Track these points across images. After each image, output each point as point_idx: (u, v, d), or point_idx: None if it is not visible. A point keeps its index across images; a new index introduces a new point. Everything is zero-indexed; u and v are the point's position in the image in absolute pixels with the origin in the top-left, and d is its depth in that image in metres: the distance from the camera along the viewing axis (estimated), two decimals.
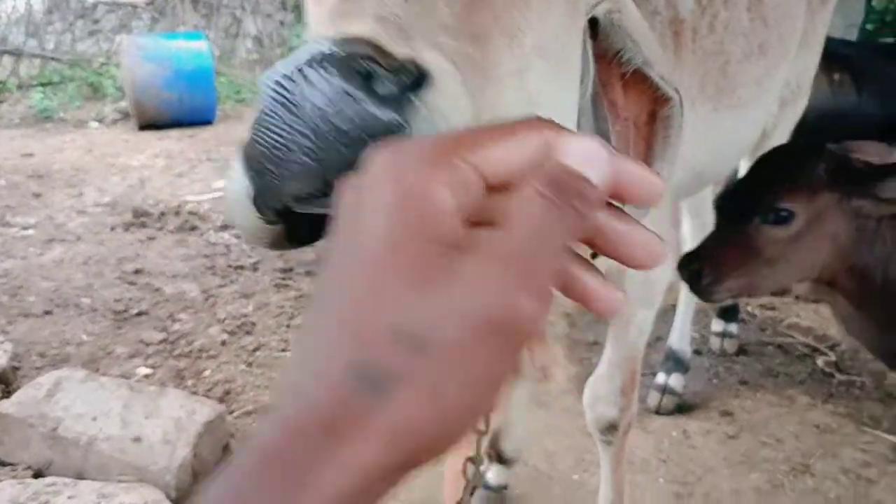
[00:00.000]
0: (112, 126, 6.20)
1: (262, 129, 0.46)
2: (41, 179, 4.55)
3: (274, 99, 0.46)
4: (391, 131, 0.46)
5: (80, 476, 1.83)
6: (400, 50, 0.49)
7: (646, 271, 1.39)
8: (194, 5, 8.07)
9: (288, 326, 2.79)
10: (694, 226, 2.40)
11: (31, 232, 3.66)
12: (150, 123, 5.82)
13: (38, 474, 1.87)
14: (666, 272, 1.46)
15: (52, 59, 7.60)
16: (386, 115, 0.46)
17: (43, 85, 7.11)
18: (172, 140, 5.60)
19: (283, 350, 2.64)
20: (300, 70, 0.46)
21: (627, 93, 0.76)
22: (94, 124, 6.25)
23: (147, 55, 5.80)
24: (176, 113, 5.85)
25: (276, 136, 0.46)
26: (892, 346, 1.39)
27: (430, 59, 0.50)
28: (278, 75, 0.46)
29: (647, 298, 1.43)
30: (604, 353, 1.53)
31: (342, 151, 0.45)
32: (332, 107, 0.45)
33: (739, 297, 1.64)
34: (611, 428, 1.58)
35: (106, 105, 6.67)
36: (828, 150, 1.32)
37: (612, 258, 0.40)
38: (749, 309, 2.86)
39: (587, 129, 0.79)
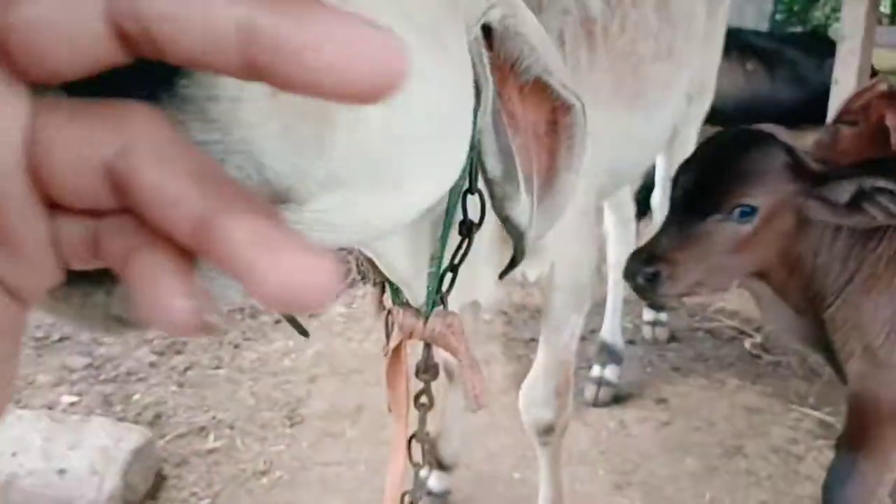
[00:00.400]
0: None
1: None
2: None
3: None
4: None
5: None
6: None
7: (577, 277, 1.41)
8: None
9: (220, 343, 2.72)
10: (616, 221, 2.45)
11: None
12: None
13: None
14: (594, 275, 1.48)
15: None
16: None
17: None
18: None
19: (217, 368, 2.57)
20: None
21: (525, 103, 0.74)
22: None
23: None
24: None
25: None
26: (809, 331, 1.44)
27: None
28: None
29: (577, 302, 1.44)
30: (537, 358, 1.54)
31: None
32: None
33: (683, 296, 1.62)
34: (547, 430, 1.59)
35: None
36: (784, 145, 1.27)
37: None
38: None
39: (490, 149, 0.74)
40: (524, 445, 2.10)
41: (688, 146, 2.03)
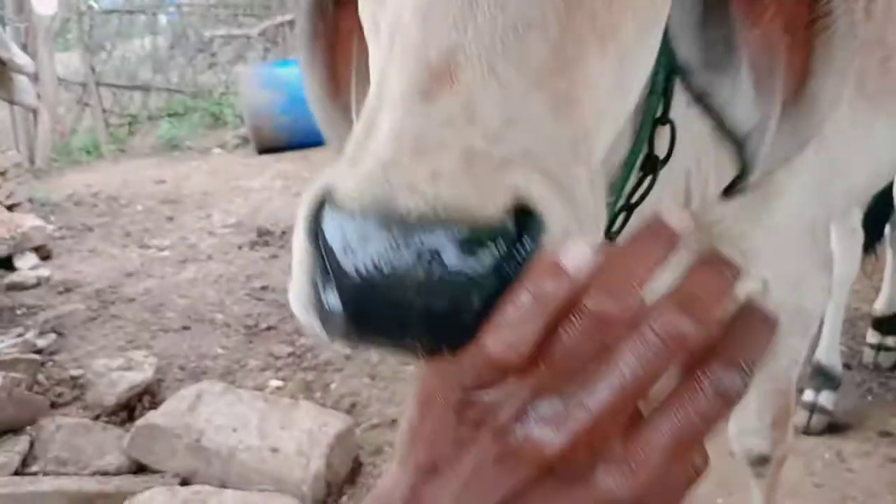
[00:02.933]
0: (233, 151, 6.55)
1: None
2: (173, 204, 4.85)
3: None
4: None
5: (222, 484, 1.90)
6: (494, 203, 0.37)
7: (797, 300, 1.26)
8: None
9: None
10: (840, 230, 2.22)
11: (166, 253, 3.90)
12: (268, 147, 6.10)
13: (184, 482, 1.96)
14: (821, 298, 1.28)
15: (177, 91, 8.14)
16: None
17: (170, 116, 7.62)
18: (288, 162, 5.84)
19: (404, 363, 2.66)
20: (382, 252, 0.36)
21: None
22: (217, 150, 6.62)
23: (262, 83, 6.09)
24: (291, 136, 6.10)
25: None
26: None
27: (538, 194, 0.38)
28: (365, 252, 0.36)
29: (800, 327, 1.28)
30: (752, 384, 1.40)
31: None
32: (438, 307, 0.36)
33: None
34: (762, 461, 1.44)
35: (227, 132, 7.06)
36: None
37: None
38: None
39: (685, 32, 0.65)
40: (725, 470, 1.95)
41: None
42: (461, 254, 0.36)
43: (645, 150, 0.76)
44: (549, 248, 0.38)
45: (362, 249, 0.36)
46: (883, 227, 2.24)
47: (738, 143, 0.72)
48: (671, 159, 0.77)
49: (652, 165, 0.77)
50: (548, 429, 0.36)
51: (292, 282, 0.41)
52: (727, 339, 0.38)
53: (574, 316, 0.36)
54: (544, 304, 0.36)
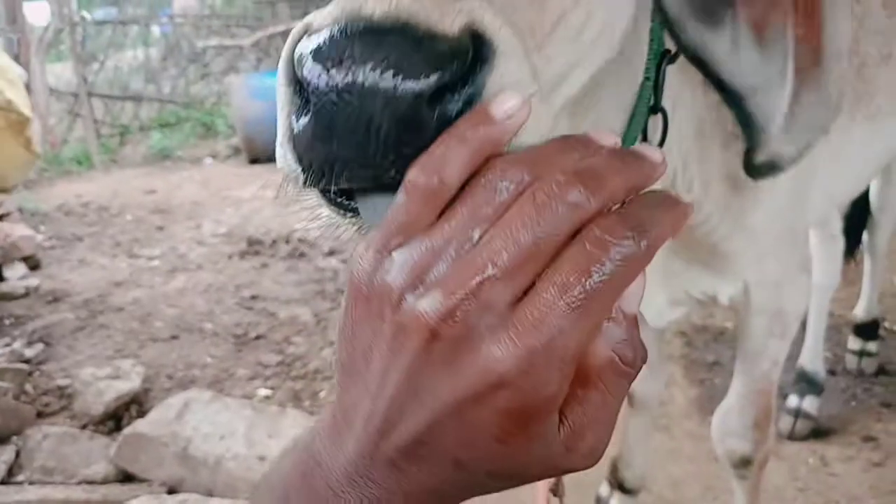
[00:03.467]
0: (225, 161, 6.56)
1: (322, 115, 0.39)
2: (163, 214, 4.85)
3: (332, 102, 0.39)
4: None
5: (209, 493, 1.90)
6: (451, 20, 0.40)
7: (778, 302, 1.28)
8: None
9: None
10: (821, 237, 2.25)
11: (156, 262, 3.90)
12: (259, 157, 6.11)
13: (171, 490, 1.96)
14: (801, 300, 1.31)
15: (169, 102, 8.15)
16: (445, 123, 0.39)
17: (161, 126, 7.63)
18: (279, 172, 5.84)
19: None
20: (354, 65, 0.38)
21: None
22: (209, 161, 6.62)
23: (254, 93, 6.11)
24: None
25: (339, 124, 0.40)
26: None
27: (489, 22, 0.41)
28: (331, 74, 0.38)
29: (779, 329, 1.30)
30: (732, 385, 1.42)
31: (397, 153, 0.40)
32: (398, 123, 0.39)
33: None
34: (744, 462, 1.45)
35: (218, 142, 7.08)
36: None
37: None
38: (887, 325, 2.65)
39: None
40: (710, 474, 1.97)
41: None
42: (419, 62, 0.38)
43: (639, 137, 0.77)
44: (495, 82, 0.40)
45: (332, 52, 0.38)
46: (861, 232, 2.27)
47: (737, 106, 0.72)
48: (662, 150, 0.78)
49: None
50: (434, 293, 0.35)
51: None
52: (630, 207, 0.38)
53: (484, 171, 0.38)
54: (465, 146, 0.37)
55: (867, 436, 2.14)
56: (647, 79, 0.77)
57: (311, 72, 0.39)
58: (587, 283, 0.35)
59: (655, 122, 0.80)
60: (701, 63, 0.72)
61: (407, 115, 0.38)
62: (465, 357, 0.35)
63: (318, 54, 0.39)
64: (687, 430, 2.18)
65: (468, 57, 0.40)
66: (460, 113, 0.39)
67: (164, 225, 4.58)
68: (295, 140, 0.41)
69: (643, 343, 0.40)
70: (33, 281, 3.51)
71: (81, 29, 7.60)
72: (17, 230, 3.78)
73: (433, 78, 0.38)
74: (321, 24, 0.40)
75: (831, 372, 2.39)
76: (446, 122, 0.39)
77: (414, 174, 0.38)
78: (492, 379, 0.35)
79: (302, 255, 3.87)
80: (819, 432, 2.14)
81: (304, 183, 0.43)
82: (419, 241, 0.37)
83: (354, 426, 0.39)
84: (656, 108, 0.79)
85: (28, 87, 5.71)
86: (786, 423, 2.14)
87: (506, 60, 0.41)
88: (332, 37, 0.39)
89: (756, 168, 0.81)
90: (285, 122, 0.42)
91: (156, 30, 9.19)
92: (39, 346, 2.83)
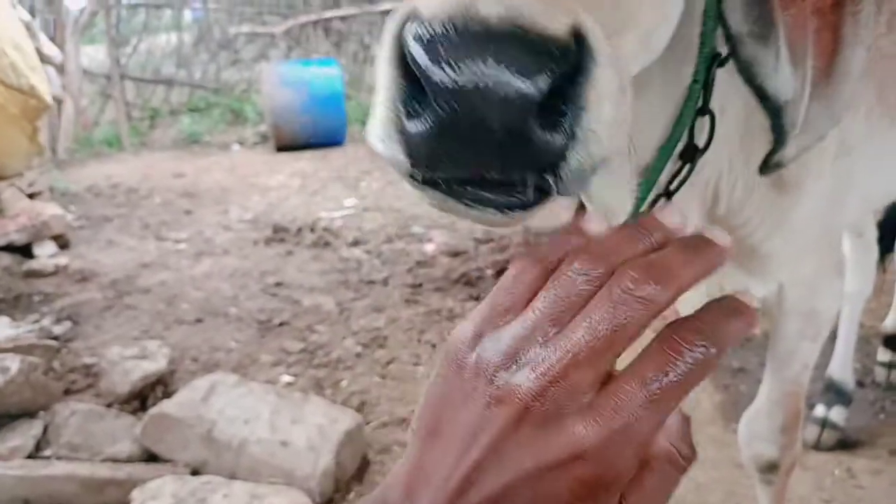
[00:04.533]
0: (252, 148, 6.60)
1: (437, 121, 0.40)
2: (191, 198, 4.90)
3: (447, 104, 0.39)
4: (554, 160, 0.42)
5: (232, 476, 1.92)
6: (560, 21, 0.40)
7: (811, 303, 1.28)
8: (326, 33, 8.48)
9: (419, 341, 2.82)
10: (856, 247, 2.21)
11: (183, 246, 3.94)
12: (287, 145, 6.14)
13: (194, 472, 1.98)
14: (833, 302, 1.31)
15: (199, 87, 8.22)
16: (551, 142, 0.41)
17: (191, 111, 7.70)
18: (306, 161, 5.88)
19: (416, 364, 2.67)
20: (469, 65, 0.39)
21: None
22: (237, 147, 6.67)
23: (284, 81, 6.14)
24: (310, 135, 6.14)
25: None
26: None
27: (589, 24, 0.42)
28: (450, 71, 0.39)
29: (812, 331, 1.30)
30: (762, 388, 1.41)
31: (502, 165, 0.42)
32: (509, 127, 0.40)
33: None
34: (770, 467, 1.44)
35: (247, 129, 7.12)
36: None
37: None
38: None
39: (738, 1, 0.71)
40: (733, 480, 1.95)
41: None
42: (532, 64, 0.39)
43: (685, 138, 0.79)
44: (596, 94, 0.41)
45: (450, 51, 0.39)
46: (893, 241, 2.23)
47: (774, 115, 0.77)
48: (706, 157, 0.81)
49: (691, 154, 0.81)
50: (526, 371, 0.41)
51: (372, 117, 0.44)
52: (703, 315, 0.44)
53: (567, 263, 0.44)
54: (561, 248, 0.46)
55: (894, 449, 2.10)
56: (695, 81, 0.79)
57: (429, 68, 0.39)
58: (664, 380, 0.41)
59: (702, 124, 0.82)
60: (749, 74, 0.75)
61: (518, 120, 0.39)
62: (551, 430, 0.41)
63: (432, 49, 0.39)
64: (711, 435, 2.16)
65: (575, 59, 0.41)
66: (566, 128, 0.41)
67: (192, 209, 4.63)
68: (405, 131, 0.42)
69: (693, 444, 0.46)
70: (62, 260, 3.57)
71: (116, 12, 7.69)
72: (48, 209, 3.84)
73: (543, 81, 0.39)
74: (433, 14, 0.40)
75: (860, 383, 2.35)
76: (552, 133, 0.41)
77: (522, 265, 0.45)
78: (575, 451, 0.40)
79: (327, 244, 3.88)
80: (846, 444, 2.11)
81: (409, 169, 0.44)
82: (514, 324, 0.43)
83: (432, 483, 0.43)
84: (704, 110, 0.80)
85: (62, 69, 5.80)
86: (812, 432, 2.11)
87: (603, 70, 0.42)
88: (448, 33, 0.39)
89: (768, 166, 0.87)
90: (391, 109, 0.43)
91: (188, 15, 9.27)
92: (67, 324, 2.87)
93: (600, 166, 0.43)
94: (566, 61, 0.40)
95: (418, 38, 0.40)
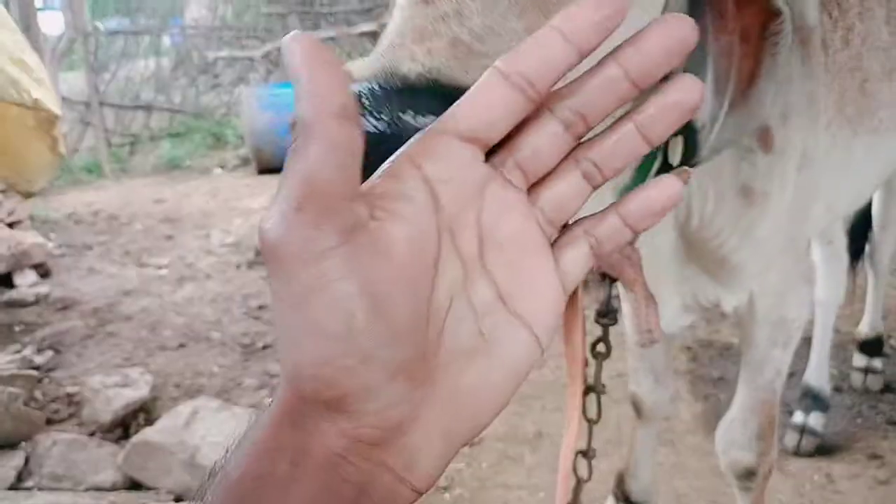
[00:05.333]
0: (234, 172, 6.60)
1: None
2: (172, 223, 4.89)
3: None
4: None
5: None
6: (473, 79, 0.42)
7: (781, 311, 1.32)
8: None
9: None
10: (825, 254, 2.26)
11: (164, 272, 3.93)
12: (268, 168, 6.15)
13: (178, 498, 1.97)
14: (802, 309, 1.35)
15: (179, 112, 8.22)
16: None
17: (171, 136, 7.69)
18: None
19: None
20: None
21: (739, 4, 0.74)
22: (218, 171, 6.67)
23: (264, 105, 6.16)
24: None
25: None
26: None
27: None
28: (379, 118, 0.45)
29: (782, 338, 1.34)
30: (736, 396, 1.44)
31: None
32: None
33: None
34: (748, 474, 1.47)
35: (228, 152, 7.13)
36: None
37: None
38: (893, 342, 2.65)
39: None
40: (715, 490, 1.97)
41: None
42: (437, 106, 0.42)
43: (660, 157, 0.84)
44: None
45: (374, 105, 0.45)
46: (863, 245, 2.28)
47: (691, 132, 0.83)
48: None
49: (666, 172, 0.85)
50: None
51: None
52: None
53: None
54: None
55: (873, 453, 2.14)
56: None
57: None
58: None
59: (675, 143, 0.86)
60: None
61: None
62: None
63: (361, 104, 0.45)
64: (692, 445, 2.18)
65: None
66: None
67: (173, 234, 4.62)
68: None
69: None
70: (43, 288, 3.55)
71: (94, 39, 7.69)
72: (29, 238, 3.82)
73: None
74: (360, 73, 0.47)
75: (837, 389, 2.39)
76: None
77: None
78: None
79: None
80: (825, 449, 2.14)
81: None
82: None
83: None
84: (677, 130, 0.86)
85: None
86: (791, 439, 2.14)
87: None
88: (373, 91, 0.45)
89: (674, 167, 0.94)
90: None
91: (167, 40, 9.29)
92: (49, 354, 2.85)
93: None
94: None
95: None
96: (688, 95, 0.38)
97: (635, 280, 0.88)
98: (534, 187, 0.39)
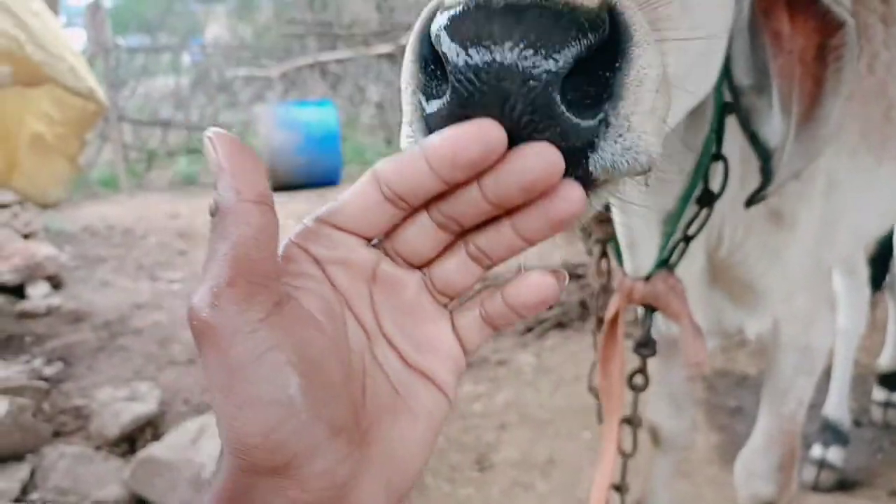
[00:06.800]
0: None
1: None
2: (186, 238, 4.90)
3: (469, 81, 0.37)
4: (582, 147, 0.39)
5: None
6: None
7: (806, 337, 1.29)
8: (322, 76, 8.61)
9: None
10: (848, 285, 2.22)
11: (177, 286, 3.93)
12: (283, 185, 6.18)
13: None
14: (827, 337, 1.32)
15: (197, 128, 8.29)
16: (579, 126, 0.38)
17: (188, 152, 7.76)
18: (302, 201, 5.90)
19: None
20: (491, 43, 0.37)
21: (795, 24, 0.72)
22: None
23: (281, 123, 6.21)
24: (305, 175, 6.19)
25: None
26: None
27: (627, 3, 0.40)
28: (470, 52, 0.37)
29: (808, 366, 1.31)
30: (757, 426, 1.40)
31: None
32: (532, 104, 0.37)
33: None
34: None
35: None
36: None
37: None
38: None
39: (741, 57, 0.76)
40: None
41: None
42: (557, 35, 0.36)
43: (701, 184, 0.85)
44: (634, 60, 0.38)
45: (470, 30, 0.37)
46: (884, 275, 2.24)
47: (765, 158, 0.82)
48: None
49: (708, 199, 0.87)
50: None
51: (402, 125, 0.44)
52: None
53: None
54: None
55: (893, 490, 2.07)
56: (712, 129, 0.87)
57: (450, 50, 0.37)
58: None
59: (715, 169, 0.86)
60: (745, 121, 0.82)
61: (540, 96, 0.37)
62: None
63: (455, 32, 0.37)
64: (708, 475, 2.13)
65: (605, 30, 0.38)
66: (599, 113, 0.38)
67: (187, 249, 4.63)
68: (427, 119, 0.41)
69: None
70: (55, 300, 3.55)
71: (115, 55, 7.80)
72: (42, 249, 3.84)
73: (570, 52, 0.36)
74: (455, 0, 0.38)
75: (857, 423, 2.34)
76: (581, 116, 0.38)
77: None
78: None
79: None
80: (844, 484, 2.09)
81: None
82: None
83: None
84: (718, 156, 0.86)
85: None
86: (810, 473, 2.09)
87: (642, 51, 0.39)
88: (468, 13, 0.37)
89: (753, 201, 0.93)
90: (411, 99, 0.42)
91: (187, 58, 9.41)
92: (59, 366, 2.84)
93: (636, 167, 0.39)
94: (595, 34, 0.37)
95: (443, 27, 0.38)
96: (564, 205, 0.38)
97: (680, 312, 0.87)
98: (427, 263, 0.43)
